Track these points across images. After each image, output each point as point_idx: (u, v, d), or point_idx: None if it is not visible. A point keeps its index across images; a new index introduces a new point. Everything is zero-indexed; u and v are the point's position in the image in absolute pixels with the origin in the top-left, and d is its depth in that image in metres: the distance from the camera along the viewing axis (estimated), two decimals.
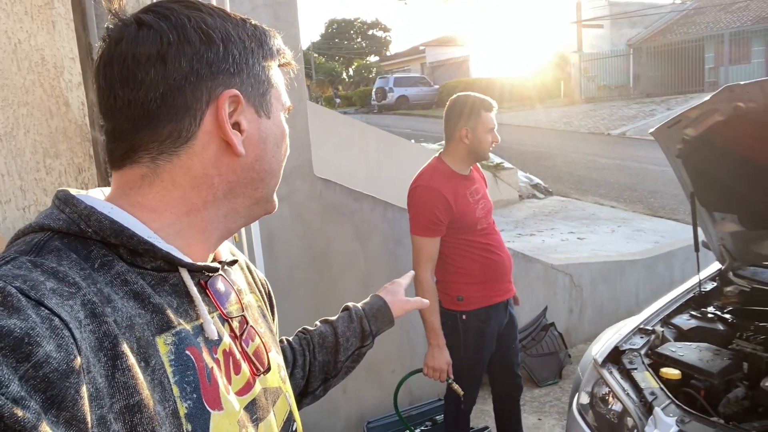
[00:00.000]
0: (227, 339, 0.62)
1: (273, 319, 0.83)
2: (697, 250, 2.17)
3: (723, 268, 2.36)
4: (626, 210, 7.71)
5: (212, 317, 0.61)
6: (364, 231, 2.89)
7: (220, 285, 0.65)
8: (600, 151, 12.39)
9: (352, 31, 39.45)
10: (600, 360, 1.96)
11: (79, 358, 0.45)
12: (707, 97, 1.65)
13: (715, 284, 2.33)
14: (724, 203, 2.06)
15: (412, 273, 1.18)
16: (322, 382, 0.96)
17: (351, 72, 37.36)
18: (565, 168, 10.99)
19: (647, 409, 1.69)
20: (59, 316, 0.45)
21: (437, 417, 2.96)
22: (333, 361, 0.96)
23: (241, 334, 0.65)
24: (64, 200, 0.56)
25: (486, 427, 2.76)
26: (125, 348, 0.49)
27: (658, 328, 2.07)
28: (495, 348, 2.28)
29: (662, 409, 1.64)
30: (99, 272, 0.53)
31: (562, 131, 15.85)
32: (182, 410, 0.53)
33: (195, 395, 0.54)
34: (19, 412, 0.39)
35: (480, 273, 2.16)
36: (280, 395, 0.71)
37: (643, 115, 15.60)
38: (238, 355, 0.63)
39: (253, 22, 0.64)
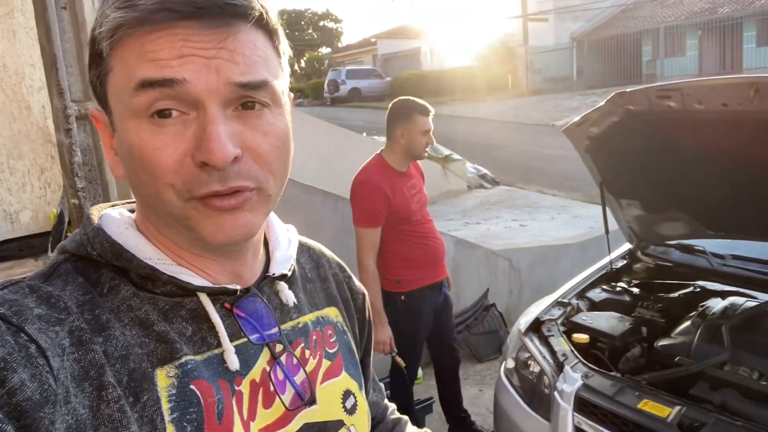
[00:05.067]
0: (258, 368, 0.56)
1: (364, 336, 0.77)
2: (606, 232, 2.48)
3: (632, 247, 2.69)
4: (566, 198, 8.18)
5: (239, 344, 0.55)
6: (315, 223, 3.08)
7: (259, 305, 0.58)
8: (545, 141, 12.91)
9: (302, 22, 39.18)
10: (523, 330, 2.24)
11: (54, 388, 0.43)
12: (602, 102, 1.93)
13: (626, 262, 2.66)
14: (628, 191, 2.37)
15: None
16: None
17: (303, 64, 37.16)
18: (512, 158, 11.45)
19: (559, 368, 1.98)
20: (36, 343, 0.44)
21: (386, 392, 3.20)
22: None
23: (277, 360, 0.58)
24: (84, 221, 0.55)
25: (430, 398, 3.02)
26: (112, 379, 0.47)
27: (574, 301, 2.37)
28: (433, 325, 2.54)
29: (571, 367, 1.93)
30: (106, 297, 0.51)
31: (510, 123, 16.38)
32: None
33: None
34: None
35: (416, 257, 2.41)
36: (341, 429, 0.63)
37: (586, 107, 16.20)
38: (272, 387, 0.56)
39: None
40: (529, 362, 2.13)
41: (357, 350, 0.72)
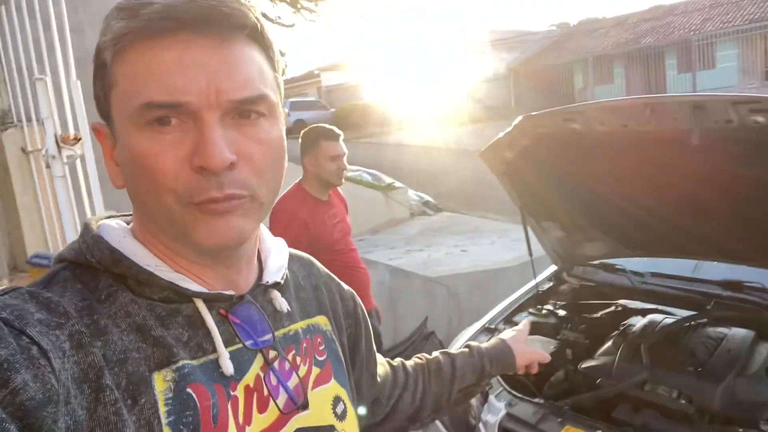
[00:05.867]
0: (252, 373, 0.58)
1: (361, 334, 0.80)
2: (530, 255, 2.47)
3: (557, 269, 2.70)
4: (507, 222, 8.31)
5: (233, 349, 0.57)
6: None
7: (253, 312, 0.60)
8: (486, 167, 13.19)
9: None
10: None
11: (56, 388, 0.44)
12: (513, 125, 1.94)
13: (552, 284, 2.66)
14: (547, 213, 2.38)
15: (527, 321, 1.13)
16: (432, 411, 0.94)
17: None
18: (455, 185, 11.62)
19: (485, 397, 1.92)
20: (38, 345, 0.45)
21: None
22: (447, 393, 0.94)
23: (271, 366, 0.60)
24: (83, 230, 0.57)
25: None
26: (110, 382, 0.48)
27: (501, 326, 2.34)
28: None
29: (495, 396, 1.88)
30: (104, 303, 0.52)
31: (453, 150, 16.70)
32: None
33: None
34: None
35: None
36: None
37: None
38: (266, 391, 0.58)
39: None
40: None
41: (345, 359, 0.74)
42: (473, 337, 2.28)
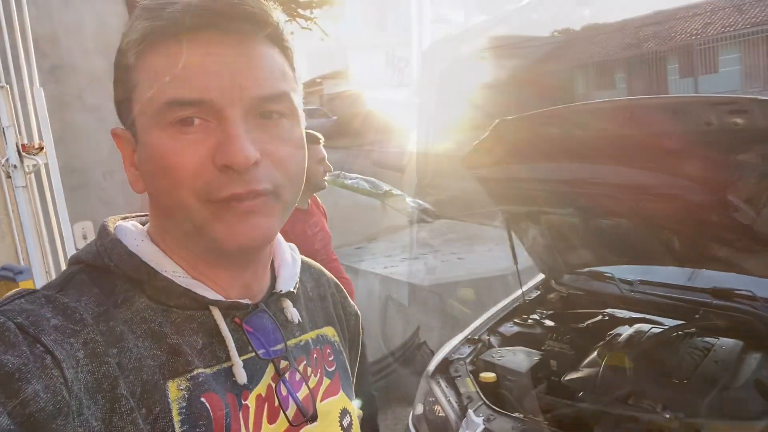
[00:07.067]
0: (264, 383, 0.57)
1: (356, 357, 0.78)
2: (515, 263, 2.41)
3: (545, 277, 2.63)
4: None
5: (246, 358, 0.56)
6: None
7: (266, 321, 0.59)
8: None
9: None
10: (431, 372, 2.11)
11: (68, 400, 0.43)
12: (489, 130, 1.88)
13: (539, 292, 2.60)
14: (531, 220, 2.32)
15: None
16: None
17: None
18: (455, 192, 11.55)
19: (464, 412, 1.86)
20: (52, 354, 0.44)
21: None
22: None
23: (282, 377, 0.59)
24: (100, 232, 0.56)
25: None
26: (125, 392, 0.47)
27: (485, 337, 2.27)
28: None
29: (474, 411, 1.81)
30: (120, 309, 0.51)
31: (454, 157, 16.67)
32: None
33: None
34: None
35: None
36: None
37: None
38: (277, 402, 0.57)
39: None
40: (436, 407, 2.00)
41: (351, 370, 0.73)
42: (456, 349, 2.21)
